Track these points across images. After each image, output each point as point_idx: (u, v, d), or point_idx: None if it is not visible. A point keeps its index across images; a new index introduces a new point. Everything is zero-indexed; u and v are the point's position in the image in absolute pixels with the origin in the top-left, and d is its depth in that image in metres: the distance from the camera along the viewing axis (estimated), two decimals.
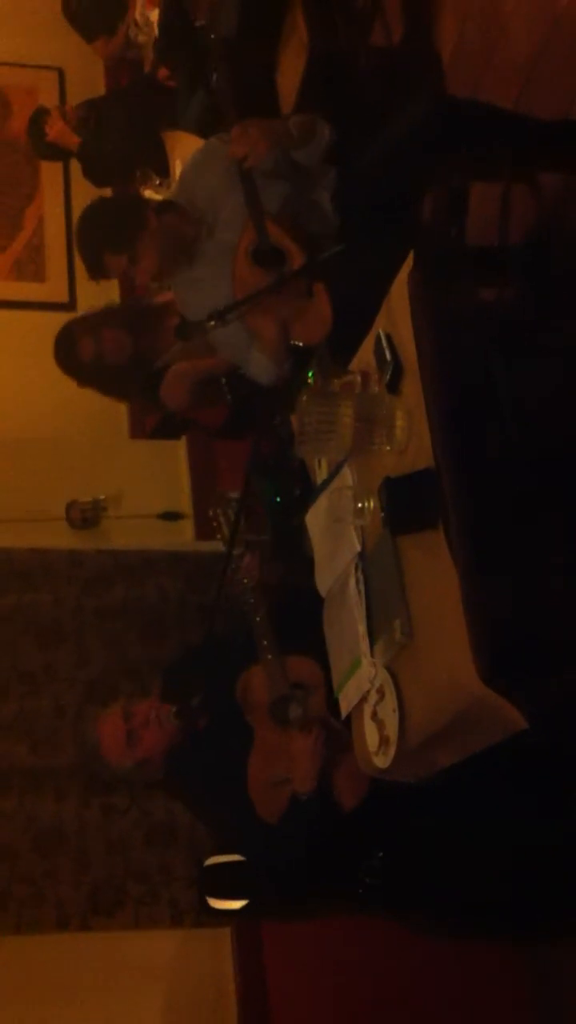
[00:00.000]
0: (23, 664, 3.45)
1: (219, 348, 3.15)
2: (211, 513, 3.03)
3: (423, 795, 2.42)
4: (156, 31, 4.67)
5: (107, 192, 4.95)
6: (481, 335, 2.14)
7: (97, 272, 3.03)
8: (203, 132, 3.86)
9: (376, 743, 2.19)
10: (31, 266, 5.46)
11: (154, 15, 4.73)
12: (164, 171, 4.55)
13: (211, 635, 2.97)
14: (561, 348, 2.17)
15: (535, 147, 2.91)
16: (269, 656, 2.80)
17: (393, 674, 2.16)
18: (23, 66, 5.12)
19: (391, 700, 2.13)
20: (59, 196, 5.50)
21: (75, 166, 5.54)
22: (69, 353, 3.47)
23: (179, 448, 4.08)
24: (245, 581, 2.87)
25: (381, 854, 2.70)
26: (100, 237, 2.98)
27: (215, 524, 3.00)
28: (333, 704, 2.48)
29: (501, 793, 2.41)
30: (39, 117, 4.83)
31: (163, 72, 4.70)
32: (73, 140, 4.78)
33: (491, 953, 2.85)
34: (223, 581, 2.83)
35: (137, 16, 5.02)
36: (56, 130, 4.76)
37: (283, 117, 2.95)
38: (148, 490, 3.99)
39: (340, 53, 3.84)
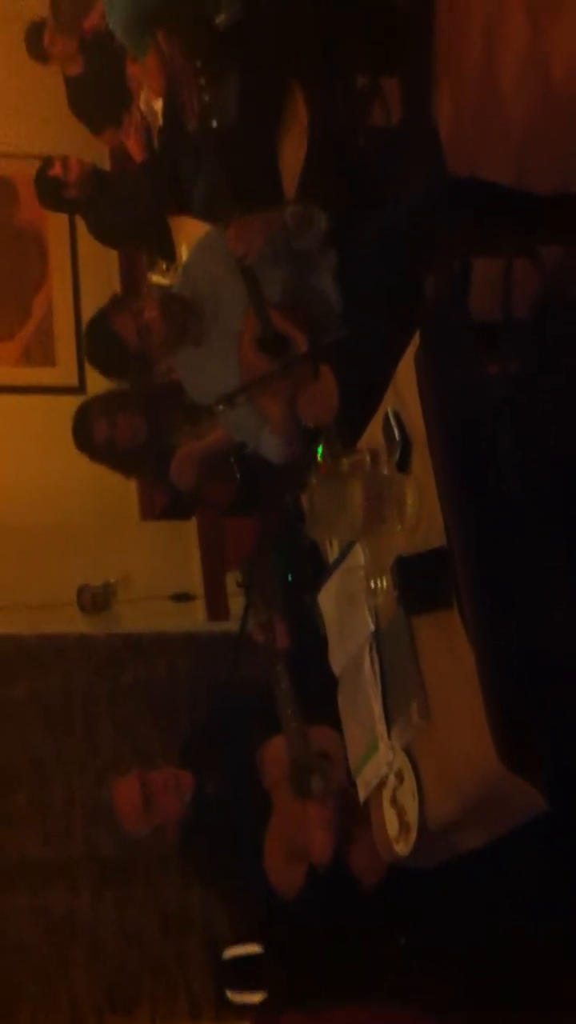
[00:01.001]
0: (33, 752, 3.40)
1: (229, 431, 3.16)
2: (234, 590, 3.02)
3: (444, 874, 2.35)
4: (160, 120, 4.76)
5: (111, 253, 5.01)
6: (489, 413, 2.13)
7: (111, 362, 3.09)
8: (208, 218, 3.91)
9: (396, 829, 2.14)
10: (40, 351, 5.52)
11: (158, 104, 4.82)
12: (170, 255, 4.61)
13: (227, 708, 2.94)
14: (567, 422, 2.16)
15: (535, 221, 2.94)
16: (293, 724, 2.76)
17: (412, 757, 2.11)
18: (31, 157, 5.21)
19: (410, 785, 2.08)
20: (68, 282, 5.58)
21: (83, 255, 5.64)
22: (84, 434, 3.51)
23: (189, 528, 4.07)
24: (271, 644, 2.84)
25: (403, 939, 2.63)
26: (108, 358, 3.03)
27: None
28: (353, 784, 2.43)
29: (526, 872, 2.34)
30: (47, 166, 4.90)
31: (130, 145, 4.78)
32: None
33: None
34: (238, 650, 2.81)
35: (142, 105, 5.11)
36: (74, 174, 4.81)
37: (280, 207, 2.99)
38: (159, 572, 3.97)
39: (340, 134, 3.91)
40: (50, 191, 4.82)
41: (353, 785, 2.37)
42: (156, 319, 2.96)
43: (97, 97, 5.12)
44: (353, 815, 2.55)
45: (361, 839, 2.57)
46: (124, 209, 4.81)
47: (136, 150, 4.62)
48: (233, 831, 2.78)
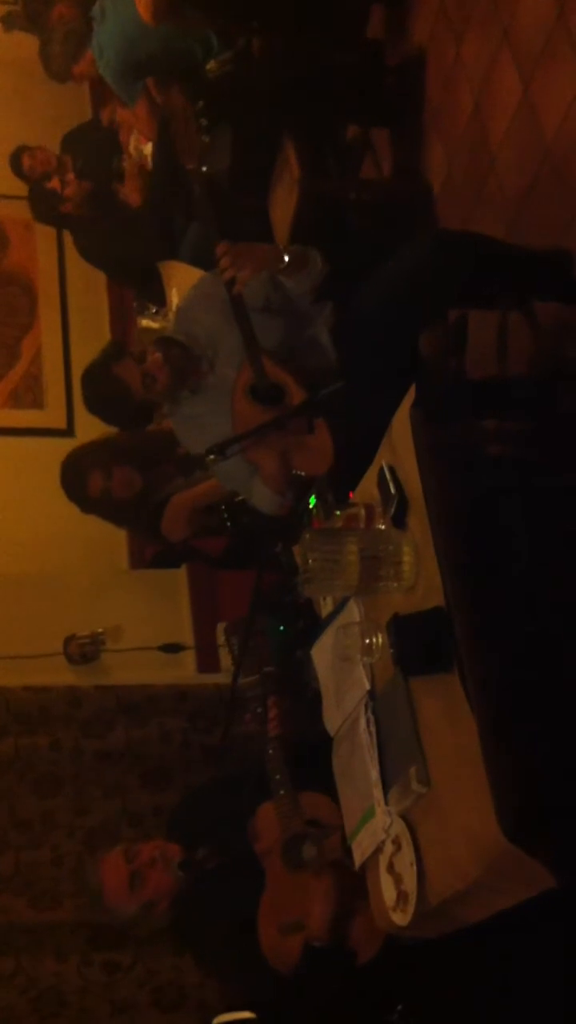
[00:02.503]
0: (20, 812, 3.32)
1: (221, 480, 3.13)
2: (223, 641, 2.98)
3: (444, 947, 2.30)
4: (150, 164, 4.76)
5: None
6: (486, 471, 2.11)
7: (112, 410, 3.06)
8: (198, 263, 3.90)
9: (393, 898, 2.08)
10: (29, 394, 5.49)
11: (148, 149, 4.82)
12: (160, 300, 4.59)
13: (220, 775, 2.88)
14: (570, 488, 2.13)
15: (529, 277, 2.94)
16: (282, 791, 2.70)
17: (410, 824, 2.06)
18: (20, 199, 5.21)
19: (408, 853, 2.03)
20: (57, 325, 5.56)
21: (72, 298, 5.63)
22: (77, 485, 3.47)
23: (180, 577, 4.01)
24: (268, 728, 2.79)
25: (400, 1007, 2.56)
26: (109, 404, 3.02)
27: (230, 653, 2.95)
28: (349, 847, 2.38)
29: (530, 944, 2.29)
30: (43, 179, 4.87)
31: (128, 192, 4.77)
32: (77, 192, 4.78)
33: None
34: (231, 718, 2.76)
35: (131, 149, 5.12)
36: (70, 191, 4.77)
37: (275, 245, 2.97)
38: (148, 622, 3.90)
39: (331, 187, 3.92)
40: (45, 203, 4.80)
41: (349, 853, 2.31)
42: (159, 365, 2.93)
43: (89, 152, 5.09)
44: (349, 885, 2.49)
45: (358, 910, 2.51)
46: (115, 241, 4.81)
47: (135, 196, 4.61)
48: (225, 904, 2.71)
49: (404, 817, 2.08)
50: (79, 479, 3.47)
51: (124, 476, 3.42)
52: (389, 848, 2.12)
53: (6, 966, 3.10)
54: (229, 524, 3.49)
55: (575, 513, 2.06)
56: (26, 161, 4.97)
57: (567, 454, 2.35)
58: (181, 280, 4.09)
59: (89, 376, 3.09)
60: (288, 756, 2.74)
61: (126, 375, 2.96)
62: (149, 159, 4.82)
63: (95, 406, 3.12)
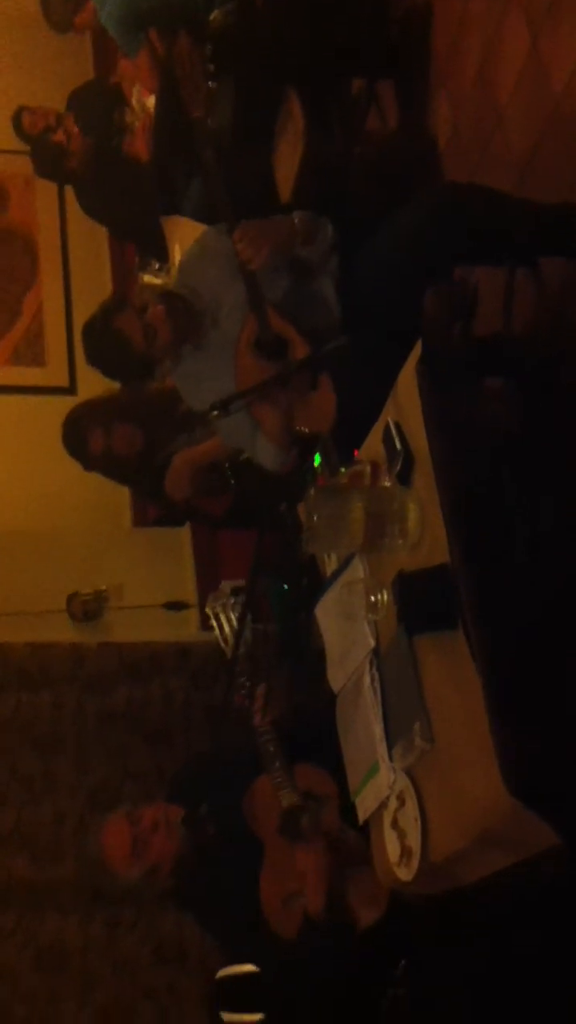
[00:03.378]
0: (22, 770, 3.33)
1: (224, 437, 3.11)
2: (209, 612, 2.97)
3: (449, 901, 2.31)
4: (152, 117, 4.70)
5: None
6: (492, 428, 2.09)
7: (113, 363, 3.03)
8: (202, 218, 3.86)
9: (397, 854, 2.09)
10: (30, 352, 5.46)
11: (150, 102, 4.76)
12: (163, 256, 4.55)
13: (219, 744, 2.88)
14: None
15: (536, 233, 2.90)
16: (276, 764, 2.70)
17: (414, 780, 2.06)
18: (21, 154, 5.15)
19: (412, 808, 2.03)
20: (59, 282, 5.52)
21: (74, 255, 5.58)
22: (78, 442, 3.45)
23: (183, 535, 4.01)
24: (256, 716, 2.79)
25: (404, 963, 2.58)
26: (110, 358, 2.98)
27: (213, 625, 2.93)
28: (348, 813, 2.38)
29: (536, 902, 2.30)
30: (47, 129, 4.81)
31: (137, 149, 4.72)
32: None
33: None
34: (231, 683, 2.76)
35: (134, 102, 5.06)
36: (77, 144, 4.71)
37: (286, 215, 2.94)
38: (151, 580, 3.90)
39: (336, 140, 3.86)
40: (49, 157, 4.74)
41: (352, 814, 2.31)
42: (161, 318, 2.89)
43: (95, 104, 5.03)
44: (348, 854, 2.50)
45: (357, 881, 2.52)
46: (118, 196, 4.76)
47: (143, 151, 4.55)
48: (227, 870, 2.72)
49: (408, 773, 2.08)
50: (80, 437, 3.45)
51: (125, 433, 3.40)
52: (393, 804, 2.12)
53: (6, 923, 3.12)
54: (233, 483, 3.47)
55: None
56: (26, 119, 4.92)
57: (570, 413, 2.33)
58: (184, 235, 4.05)
59: (90, 328, 3.06)
60: (282, 731, 2.74)
61: (127, 328, 2.93)
62: (152, 112, 4.76)
63: (96, 359, 3.09)
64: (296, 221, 2.82)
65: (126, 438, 3.40)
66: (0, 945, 3.08)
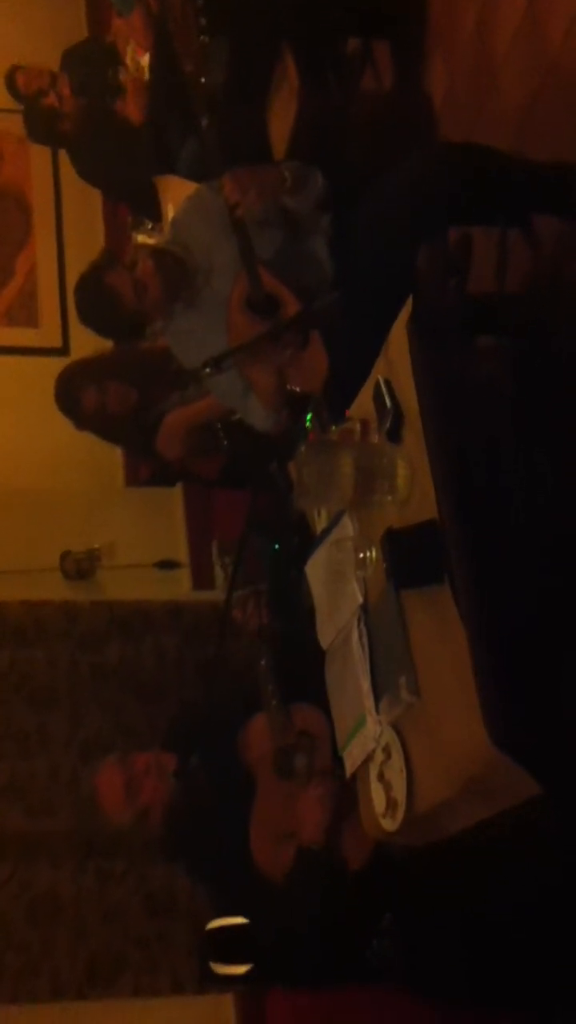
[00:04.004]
0: (16, 725, 3.37)
1: (216, 395, 3.11)
2: (217, 559, 2.99)
3: (434, 854, 2.34)
4: (147, 75, 4.66)
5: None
6: (482, 386, 2.10)
7: (105, 320, 3.02)
8: (196, 178, 3.84)
9: (383, 805, 2.12)
10: (23, 312, 5.45)
11: (145, 60, 4.73)
12: (156, 216, 4.54)
13: (212, 687, 2.91)
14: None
15: (531, 192, 2.89)
16: (273, 702, 2.73)
17: (400, 733, 2.09)
18: (14, 112, 5.11)
19: (398, 761, 2.06)
20: (52, 242, 5.50)
21: (67, 214, 5.55)
22: (71, 401, 3.45)
23: (175, 495, 4.02)
24: (251, 623, 2.81)
25: (390, 915, 2.62)
26: (101, 315, 2.96)
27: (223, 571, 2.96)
28: (338, 759, 2.41)
29: (519, 854, 2.33)
30: (39, 94, 4.77)
31: (131, 110, 4.68)
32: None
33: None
34: (224, 632, 2.78)
35: (128, 60, 5.02)
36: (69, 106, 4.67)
37: (276, 163, 2.92)
38: (144, 539, 3.92)
39: (331, 99, 3.84)
40: (42, 121, 4.70)
41: (339, 764, 2.35)
42: (151, 273, 2.89)
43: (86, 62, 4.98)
44: (340, 796, 2.53)
45: (348, 820, 2.55)
46: (112, 156, 4.73)
47: (136, 113, 4.52)
48: (218, 815, 2.75)
49: (394, 727, 2.11)
50: (73, 395, 3.45)
51: (119, 391, 3.40)
52: (379, 757, 2.15)
53: (1, 873, 3.17)
54: (225, 443, 3.48)
55: (566, 429, 2.06)
56: (20, 79, 4.87)
57: (560, 372, 2.34)
58: (177, 195, 4.02)
59: (81, 285, 3.06)
60: (279, 667, 2.77)
61: (118, 284, 2.93)
62: (147, 71, 4.73)
63: (88, 317, 3.09)
64: (285, 169, 2.81)
65: (119, 395, 3.40)
66: None
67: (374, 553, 2.22)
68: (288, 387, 2.92)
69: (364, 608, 2.31)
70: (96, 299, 2.99)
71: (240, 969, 2.88)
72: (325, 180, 2.84)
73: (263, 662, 2.77)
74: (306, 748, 2.66)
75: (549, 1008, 2.66)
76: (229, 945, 2.85)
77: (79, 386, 3.43)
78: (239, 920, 2.83)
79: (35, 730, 3.37)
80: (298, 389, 2.91)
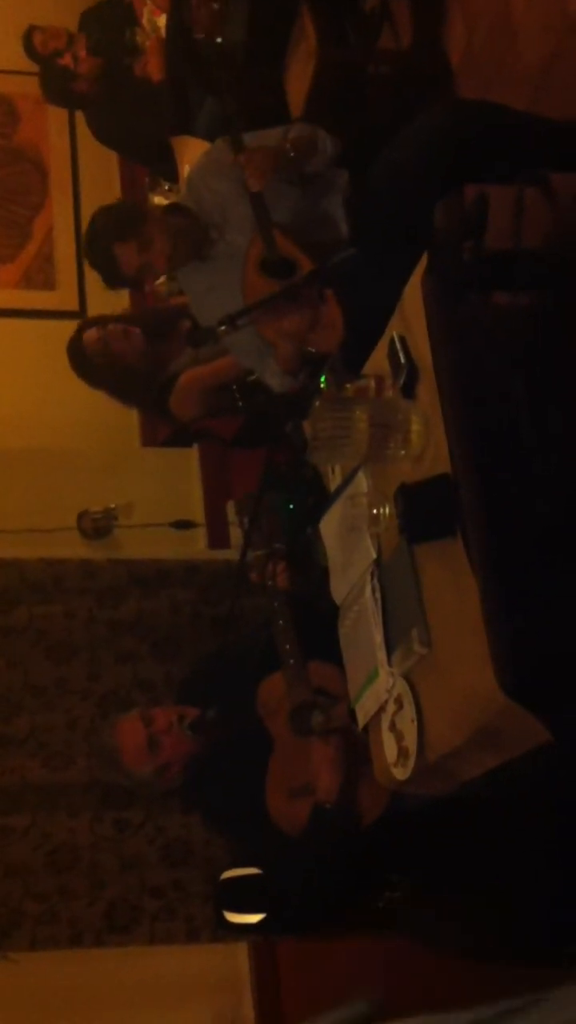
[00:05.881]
0: (35, 678, 3.41)
1: (233, 354, 3.12)
2: (234, 518, 3.00)
3: (445, 809, 2.38)
4: (164, 36, 4.64)
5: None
6: (497, 342, 2.11)
7: (111, 274, 3.01)
8: (213, 138, 3.83)
9: (395, 754, 2.15)
10: (41, 275, 5.45)
11: (162, 20, 4.71)
12: (173, 177, 4.53)
13: (227, 643, 2.94)
14: None
15: (548, 148, 2.88)
16: (291, 661, 2.76)
17: (411, 684, 2.12)
18: (31, 75, 5.10)
19: (409, 711, 2.09)
20: (69, 204, 5.49)
21: (84, 177, 5.54)
22: (78, 352, 3.48)
23: (191, 456, 4.04)
24: (270, 584, 2.83)
25: (403, 868, 2.66)
26: (106, 230, 2.96)
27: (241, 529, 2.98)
28: (352, 714, 2.44)
29: (528, 808, 2.36)
30: (54, 54, 4.77)
31: (150, 69, 4.66)
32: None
33: (516, 977, 2.80)
34: (239, 589, 2.81)
35: (145, 21, 4.99)
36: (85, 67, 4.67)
37: (283, 129, 2.92)
38: (160, 499, 3.95)
39: (349, 58, 3.82)
40: (57, 81, 4.70)
41: (354, 719, 2.38)
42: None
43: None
44: (356, 753, 2.57)
45: (363, 776, 2.59)
46: (128, 117, 4.72)
47: (155, 73, 4.50)
48: (234, 768, 2.79)
49: (406, 678, 2.14)
50: (76, 341, 3.49)
51: (117, 329, 3.42)
52: (391, 708, 2.18)
53: (21, 822, 3.22)
54: (241, 404, 3.49)
55: None
56: (37, 39, 4.86)
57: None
58: (194, 155, 4.01)
59: (91, 243, 3.06)
60: (297, 626, 2.80)
61: (123, 258, 2.95)
62: (164, 32, 4.71)
63: (95, 266, 3.10)
64: (290, 141, 2.82)
65: (118, 333, 3.42)
66: (16, 844, 3.19)
67: (387, 509, 2.24)
68: (306, 349, 2.93)
69: (377, 563, 2.34)
70: (102, 261, 3.01)
71: (253, 918, 2.93)
72: (334, 138, 2.84)
73: (281, 620, 2.79)
74: (323, 705, 2.69)
75: (558, 962, 2.70)
76: (243, 894, 2.90)
77: (82, 329, 3.47)
78: (253, 870, 2.88)
79: (53, 683, 3.41)
80: (315, 351, 2.92)
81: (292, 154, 2.81)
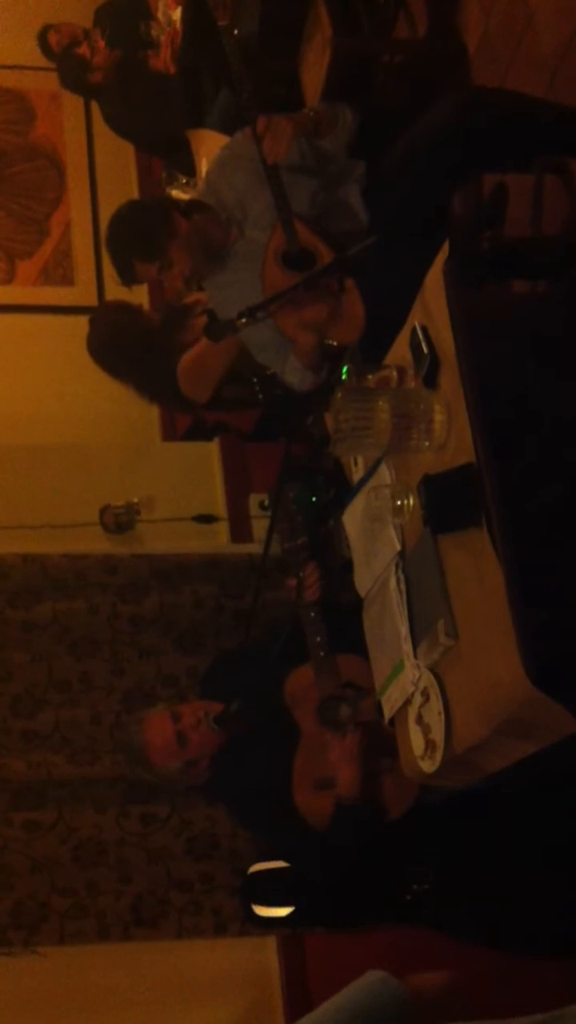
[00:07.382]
0: (59, 674, 3.41)
1: (254, 350, 3.11)
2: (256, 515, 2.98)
3: (471, 802, 2.37)
4: (179, 29, 4.63)
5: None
6: (518, 331, 2.09)
7: (128, 278, 3.01)
8: (228, 130, 3.82)
9: (422, 747, 2.14)
10: (59, 271, 5.45)
11: (176, 14, 4.70)
12: (190, 170, 4.52)
13: (250, 637, 2.94)
14: None
15: (565, 136, 2.86)
16: (321, 653, 2.76)
17: (438, 676, 2.11)
18: (48, 70, 5.10)
19: (436, 703, 2.08)
20: (86, 200, 5.49)
21: (101, 172, 5.54)
22: (91, 327, 3.51)
23: (212, 450, 4.03)
24: (305, 595, 2.82)
25: (430, 860, 2.65)
26: (129, 246, 2.95)
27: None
28: (379, 708, 2.43)
29: (554, 801, 2.35)
30: (72, 43, 4.78)
31: (165, 63, 4.66)
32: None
33: (542, 968, 2.79)
34: (260, 583, 2.81)
35: (159, 15, 4.99)
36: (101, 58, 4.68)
37: (305, 109, 2.90)
38: (182, 493, 3.94)
39: (364, 47, 3.80)
40: (73, 70, 4.71)
41: (380, 711, 2.37)
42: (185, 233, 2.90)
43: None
44: (383, 745, 2.56)
45: (388, 769, 2.58)
46: (144, 110, 4.72)
47: (170, 64, 4.50)
48: (261, 761, 2.79)
49: (432, 670, 2.13)
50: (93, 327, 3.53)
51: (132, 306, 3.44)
52: (418, 700, 2.17)
53: (47, 817, 3.22)
54: (261, 397, 3.48)
55: None
56: (52, 38, 4.87)
57: None
58: (210, 148, 4.01)
59: (112, 249, 3.03)
60: (326, 619, 2.79)
61: (142, 272, 2.95)
62: (178, 24, 4.70)
63: (113, 265, 3.10)
64: (314, 112, 2.80)
65: (131, 309, 3.45)
66: (42, 839, 3.19)
67: (411, 500, 2.23)
68: (326, 342, 2.92)
69: (401, 555, 2.32)
70: (128, 223, 2.99)
71: (282, 911, 2.94)
72: (356, 115, 2.82)
73: (312, 613, 2.79)
74: (351, 699, 2.68)
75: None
76: (271, 888, 2.90)
77: (99, 312, 3.49)
78: (280, 864, 2.88)
79: (77, 679, 3.41)
80: (335, 344, 2.91)
81: (312, 115, 2.78)
